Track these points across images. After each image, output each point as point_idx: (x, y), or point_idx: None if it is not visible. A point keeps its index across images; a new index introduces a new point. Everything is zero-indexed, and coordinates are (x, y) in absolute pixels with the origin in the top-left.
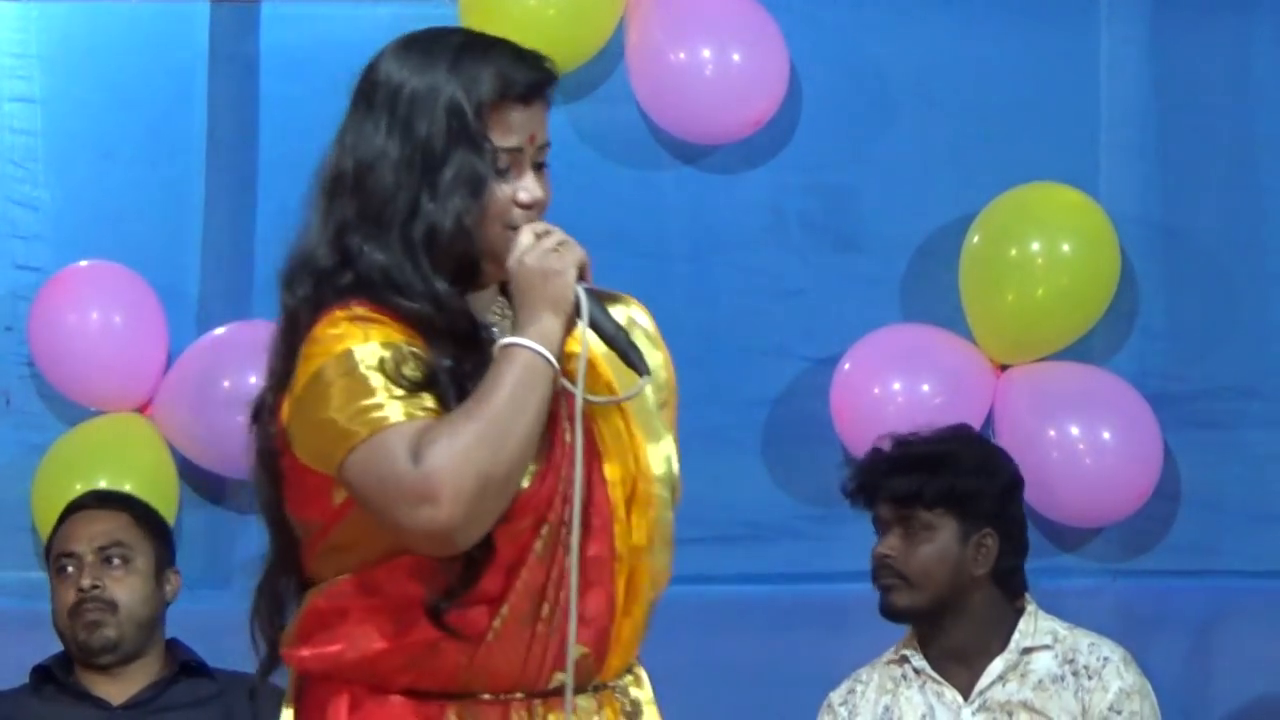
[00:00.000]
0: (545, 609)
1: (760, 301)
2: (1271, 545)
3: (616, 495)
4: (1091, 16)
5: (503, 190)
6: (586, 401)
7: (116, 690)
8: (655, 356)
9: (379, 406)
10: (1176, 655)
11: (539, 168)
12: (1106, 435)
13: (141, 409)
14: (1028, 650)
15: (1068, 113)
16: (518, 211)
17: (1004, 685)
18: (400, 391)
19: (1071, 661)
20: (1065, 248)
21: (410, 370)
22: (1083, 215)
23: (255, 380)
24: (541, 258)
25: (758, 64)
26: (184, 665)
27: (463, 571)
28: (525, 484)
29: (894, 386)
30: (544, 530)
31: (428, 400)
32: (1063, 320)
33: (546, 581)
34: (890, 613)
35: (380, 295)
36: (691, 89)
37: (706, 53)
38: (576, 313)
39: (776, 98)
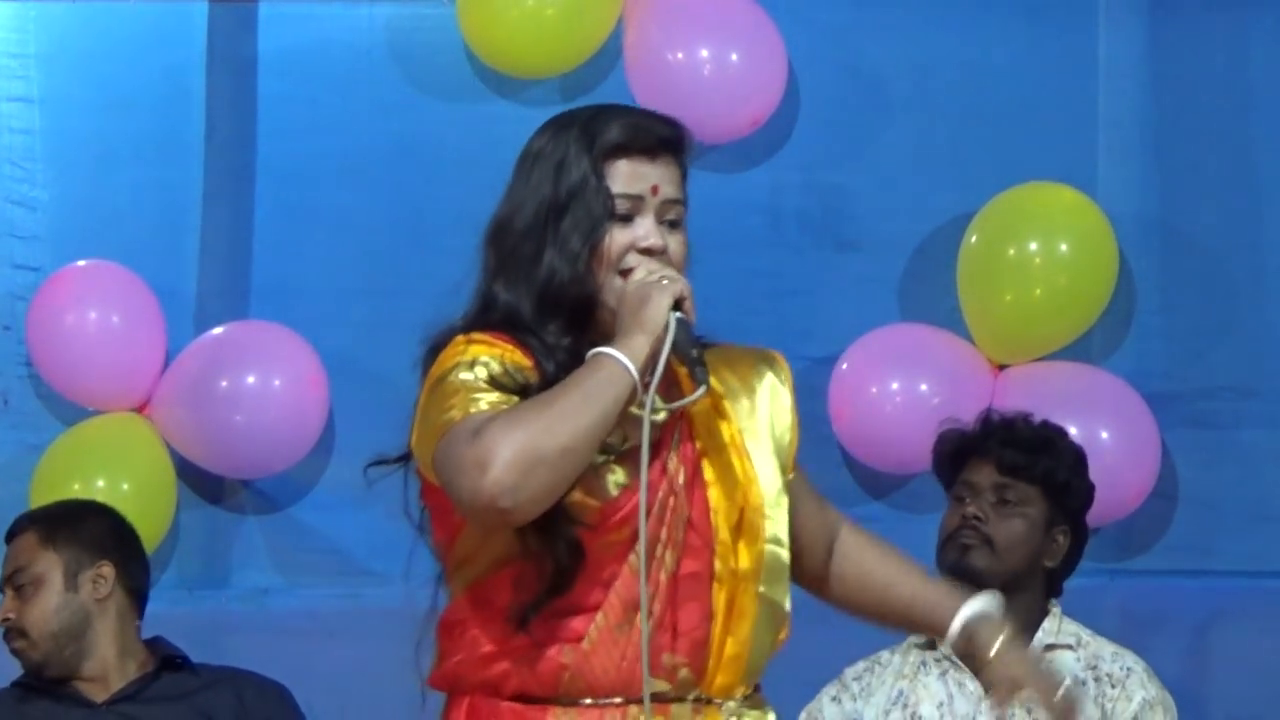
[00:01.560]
0: (640, 619)
1: (758, 301)
2: (1269, 545)
3: (719, 521)
4: (1089, 17)
5: (620, 235)
6: (655, 410)
7: (98, 689)
8: (782, 419)
9: (470, 401)
10: (1174, 655)
11: (673, 225)
12: (1104, 435)
13: (139, 409)
14: (1050, 648)
15: (1065, 113)
16: (634, 256)
17: None
18: (490, 389)
19: (1095, 668)
20: (1063, 247)
21: (508, 379)
22: (1080, 215)
23: (253, 380)
24: (642, 285)
25: (755, 64)
26: (166, 660)
27: (552, 580)
28: (613, 493)
29: (892, 386)
30: (639, 544)
31: (512, 399)
32: (1060, 320)
33: (640, 593)
34: (965, 571)
35: (504, 331)
36: (689, 89)
37: (704, 52)
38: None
39: (774, 97)
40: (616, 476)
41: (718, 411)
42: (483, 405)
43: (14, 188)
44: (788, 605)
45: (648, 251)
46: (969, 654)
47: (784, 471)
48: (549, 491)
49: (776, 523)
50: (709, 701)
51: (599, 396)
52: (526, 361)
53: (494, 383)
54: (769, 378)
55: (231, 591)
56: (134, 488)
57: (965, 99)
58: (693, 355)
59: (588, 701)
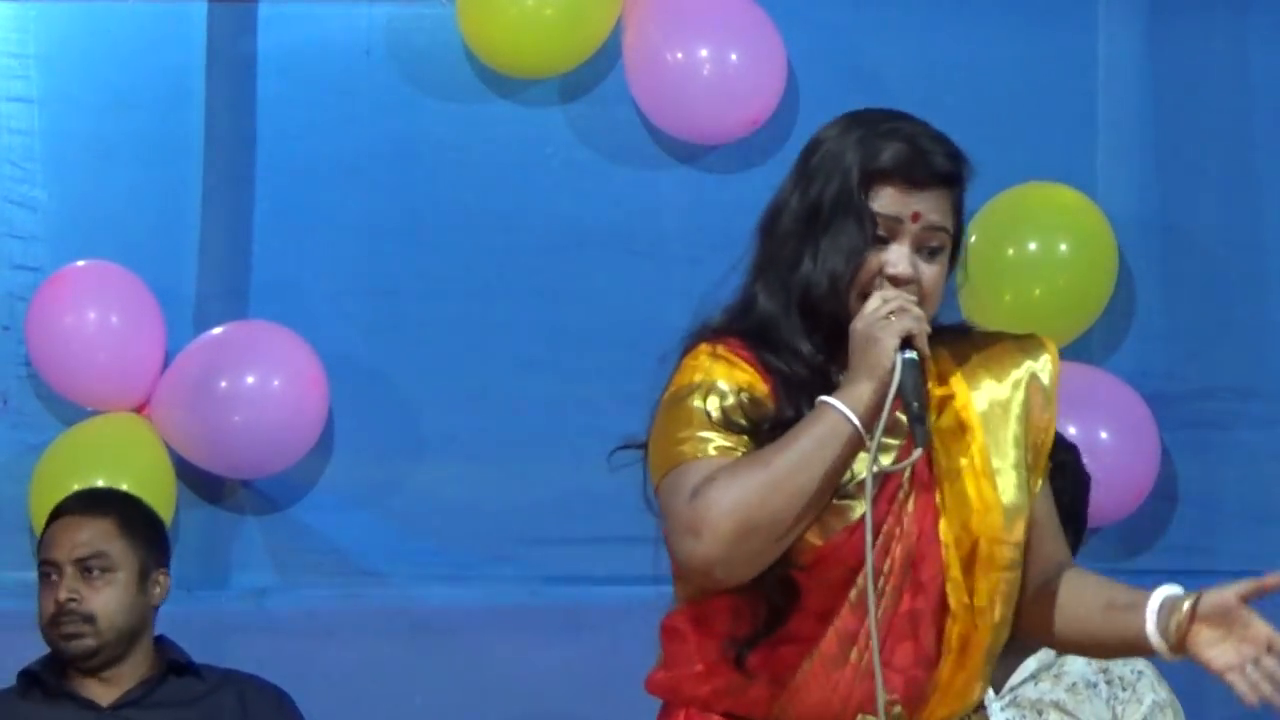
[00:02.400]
0: (854, 654)
1: None
2: (1269, 545)
3: (950, 556)
4: (1089, 16)
5: (871, 259)
6: (876, 470)
7: (104, 691)
8: (1042, 415)
9: (699, 440)
10: None
11: (931, 253)
12: (1104, 435)
13: (139, 409)
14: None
15: (1065, 113)
16: (879, 280)
17: (1036, 684)
18: (718, 430)
19: (1105, 670)
20: (1063, 248)
21: (739, 415)
22: (1080, 215)
23: (252, 380)
24: (870, 324)
25: (755, 64)
26: (171, 664)
27: (767, 618)
28: (836, 528)
29: None
30: (858, 580)
31: (747, 444)
32: (1060, 320)
33: (860, 628)
34: None
35: (755, 342)
36: (689, 89)
37: (704, 52)
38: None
39: (774, 97)
40: (840, 515)
41: (960, 424)
42: (710, 451)
43: (13, 188)
44: (1009, 630)
45: (894, 279)
46: (1174, 634)
47: (1030, 483)
48: (763, 557)
49: (1016, 546)
50: None
51: (818, 456)
52: (764, 388)
53: (725, 420)
54: (1026, 369)
55: (231, 591)
56: (133, 488)
57: (965, 99)
58: (914, 409)
59: None
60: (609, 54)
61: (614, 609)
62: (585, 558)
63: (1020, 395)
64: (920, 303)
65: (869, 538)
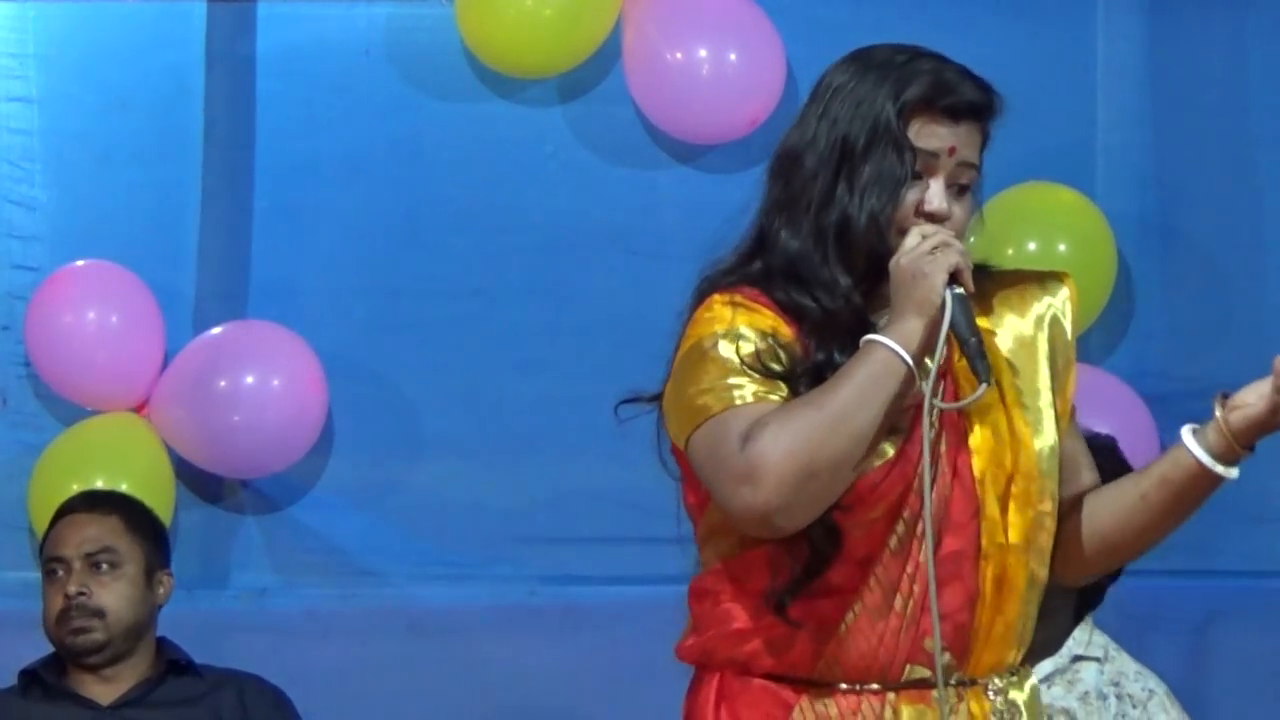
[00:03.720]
0: (899, 602)
1: None
2: (1268, 545)
3: (984, 492)
4: (1088, 17)
5: (910, 194)
6: (934, 406)
7: (105, 691)
8: (1063, 353)
9: (732, 387)
10: (1174, 654)
11: (961, 190)
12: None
13: (138, 409)
14: (1079, 658)
15: (1064, 113)
16: (917, 218)
17: (1049, 688)
18: (750, 376)
19: (1117, 685)
20: (1061, 247)
21: (772, 359)
22: (1079, 215)
23: (252, 380)
24: (915, 260)
25: (754, 63)
26: (172, 664)
27: (808, 564)
28: (875, 464)
29: None
30: (899, 525)
31: (782, 389)
32: None
33: (901, 575)
34: None
35: (772, 285)
36: (688, 89)
37: (703, 52)
38: (943, 316)
39: (773, 97)
40: (881, 448)
41: (954, 371)
42: (747, 397)
43: (13, 188)
44: (1045, 575)
45: (930, 216)
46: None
47: (1060, 419)
48: (824, 503)
49: (1049, 484)
50: (973, 683)
51: (874, 395)
52: (789, 332)
53: (756, 364)
54: (1047, 305)
55: (230, 591)
56: (132, 487)
57: None
58: (972, 345)
59: (843, 686)
60: (608, 54)
61: (612, 608)
62: (583, 557)
63: (1044, 334)
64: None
65: (927, 480)
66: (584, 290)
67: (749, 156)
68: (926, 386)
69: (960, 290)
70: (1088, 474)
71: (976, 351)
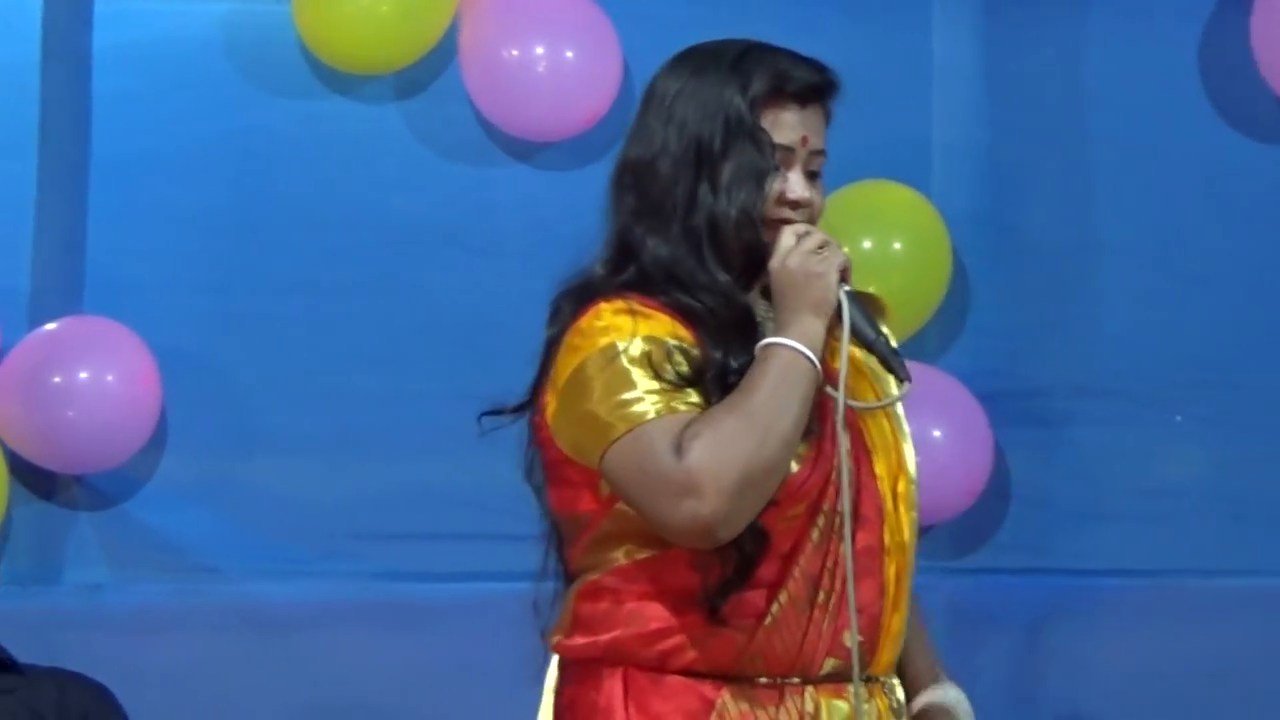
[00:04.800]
0: (821, 596)
1: None
2: (1100, 543)
3: (885, 489)
4: (924, 15)
5: (773, 186)
6: (848, 406)
7: None
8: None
9: (639, 400)
10: (1006, 653)
11: (813, 176)
12: (937, 433)
13: None
14: None
15: (900, 111)
16: (781, 209)
17: None
18: (662, 385)
19: None
20: (897, 246)
21: (675, 364)
22: (915, 213)
23: (86, 376)
24: (804, 260)
25: (591, 61)
26: None
27: (739, 565)
28: (794, 467)
29: None
30: (819, 519)
31: (691, 395)
32: (895, 318)
33: (822, 569)
34: None
35: (653, 289)
36: (525, 86)
37: (540, 49)
38: (838, 316)
39: (610, 94)
40: (797, 450)
41: (857, 368)
42: (662, 408)
43: None
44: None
45: (794, 205)
46: None
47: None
48: (757, 509)
49: (917, 485)
50: (875, 680)
51: (791, 399)
52: (688, 335)
53: (665, 372)
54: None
55: (63, 587)
56: None
57: None
58: (880, 343)
59: (764, 680)
60: (445, 51)
61: (447, 605)
62: (419, 554)
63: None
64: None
65: (845, 478)
66: (420, 287)
67: (586, 154)
68: (840, 391)
69: (849, 289)
70: None
71: (888, 349)
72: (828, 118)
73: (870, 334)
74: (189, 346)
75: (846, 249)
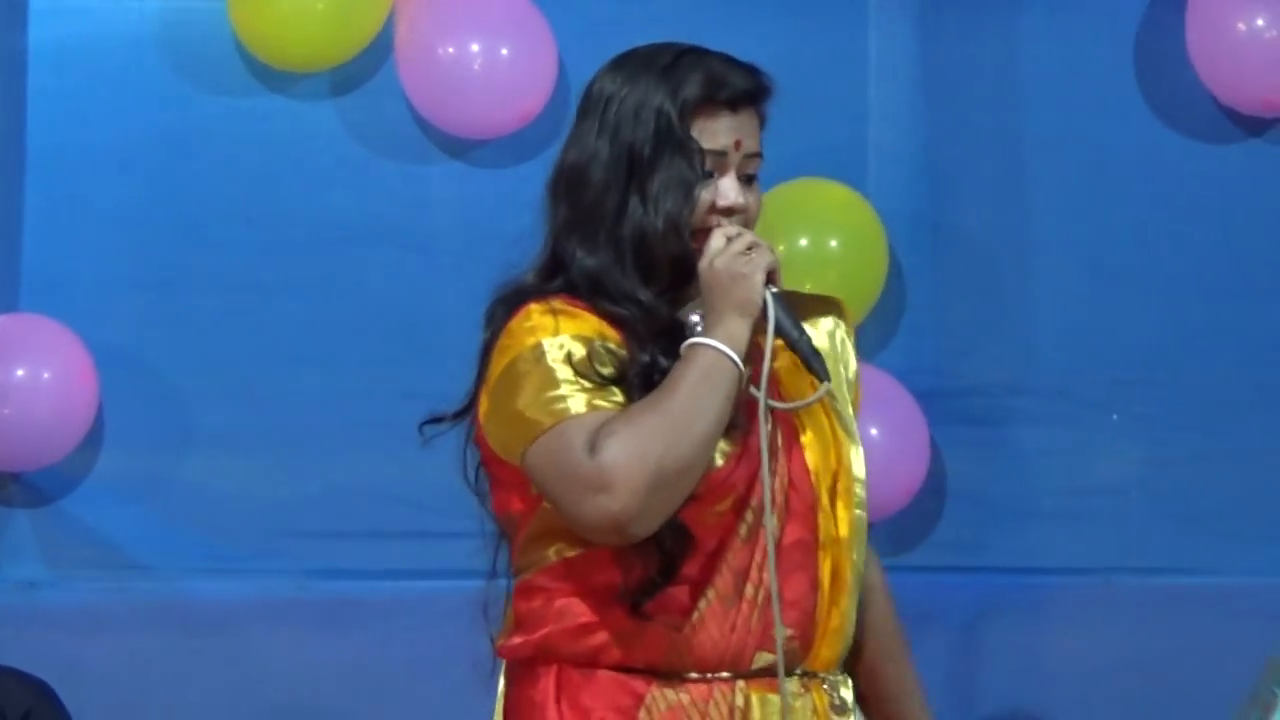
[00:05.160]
0: (749, 590)
1: None
2: (1037, 542)
3: (819, 484)
4: (860, 14)
5: (703, 195)
6: (770, 407)
7: None
8: (851, 369)
9: (563, 398)
10: (943, 651)
11: (749, 180)
12: (874, 432)
13: None
14: None
15: (836, 109)
16: (713, 216)
17: None
18: (587, 384)
19: None
20: (833, 244)
21: (600, 364)
22: (851, 211)
23: (22, 373)
24: (730, 261)
25: (526, 59)
26: None
27: (660, 563)
28: (719, 463)
29: None
30: (747, 515)
31: (615, 394)
32: None
33: (750, 563)
34: None
35: (582, 295)
36: (460, 83)
37: (475, 47)
38: (764, 316)
39: (545, 93)
40: (721, 445)
41: (794, 364)
42: (582, 405)
43: None
44: (863, 576)
45: (727, 211)
46: None
47: (855, 423)
48: (673, 507)
49: (860, 482)
50: (813, 676)
51: (711, 399)
52: (614, 334)
53: (587, 370)
54: (833, 324)
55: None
56: None
57: None
58: (803, 344)
59: (694, 675)
60: (381, 48)
61: (382, 603)
62: (355, 552)
63: (833, 345)
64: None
65: (766, 478)
66: (356, 285)
67: (521, 152)
68: (762, 390)
69: (776, 290)
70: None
71: (810, 350)
72: (763, 121)
73: (793, 334)
74: (125, 344)
75: (782, 248)
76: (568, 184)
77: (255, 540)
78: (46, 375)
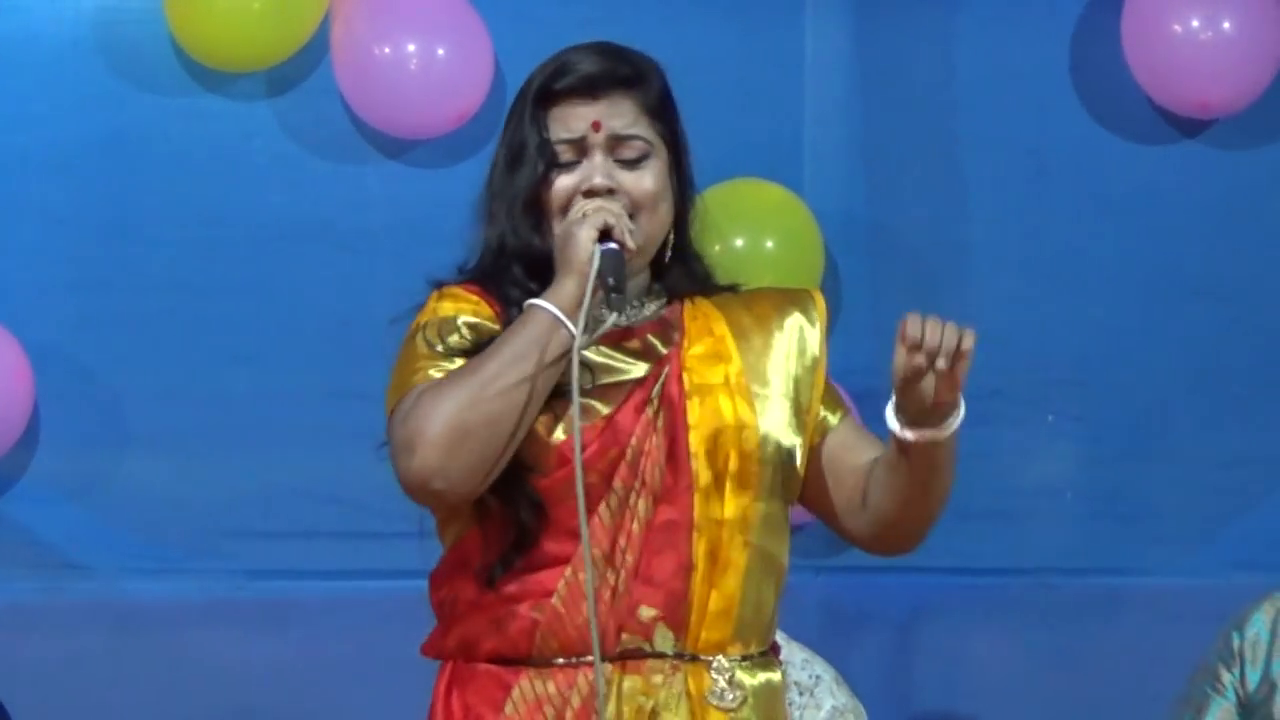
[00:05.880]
0: (611, 574)
1: None
2: (972, 542)
3: (699, 466)
4: (796, 14)
5: (564, 181)
6: (580, 348)
7: None
8: (806, 358)
9: (414, 372)
10: (879, 651)
11: (631, 163)
12: None
13: None
14: None
15: (772, 109)
16: (581, 199)
17: None
18: (439, 357)
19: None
20: (769, 244)
21: (457, 336)
22: (786, 212)
23: None
24: (566, 225)
25: (462, 59)
26: None
27: (516, 538)
28: (560, 435)
29: None
30: (611, 496)
31: (456, 364)
32: None
33: (614, 547)
34: None
35: (482, 284)
36: (396, 83)
37: (411, 47)
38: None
39: (481, 93)
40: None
41: (718, 353)
42: (419, 377)
43: None
44: (784, 559)
45: (591, 193)
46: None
47: (800, 412)
48: (483, 462)
49: (778, 469)
50: (695, 659)
51: (526, 353)
52: (489, 312)
53: (439, 344)
54: (795, 317)
55: None
56: None
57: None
58: (609, 282)
59: (560, 661)
60: (317, 48)
61: (319, 603)
62: (291, 552)
63: (784, 336)
64: (635, 214)
65: (576, 424)
66: (291, 285)
67: (456, 152)
68: (576, 341)
69: (613, 245)
70: (871, 450)
71: (612, 287)
72: (647, 108)
73: (609, 283)
74: (61, 344)
75: (717, 248)
76: (484, 188)
77: (190, 540)
78: None
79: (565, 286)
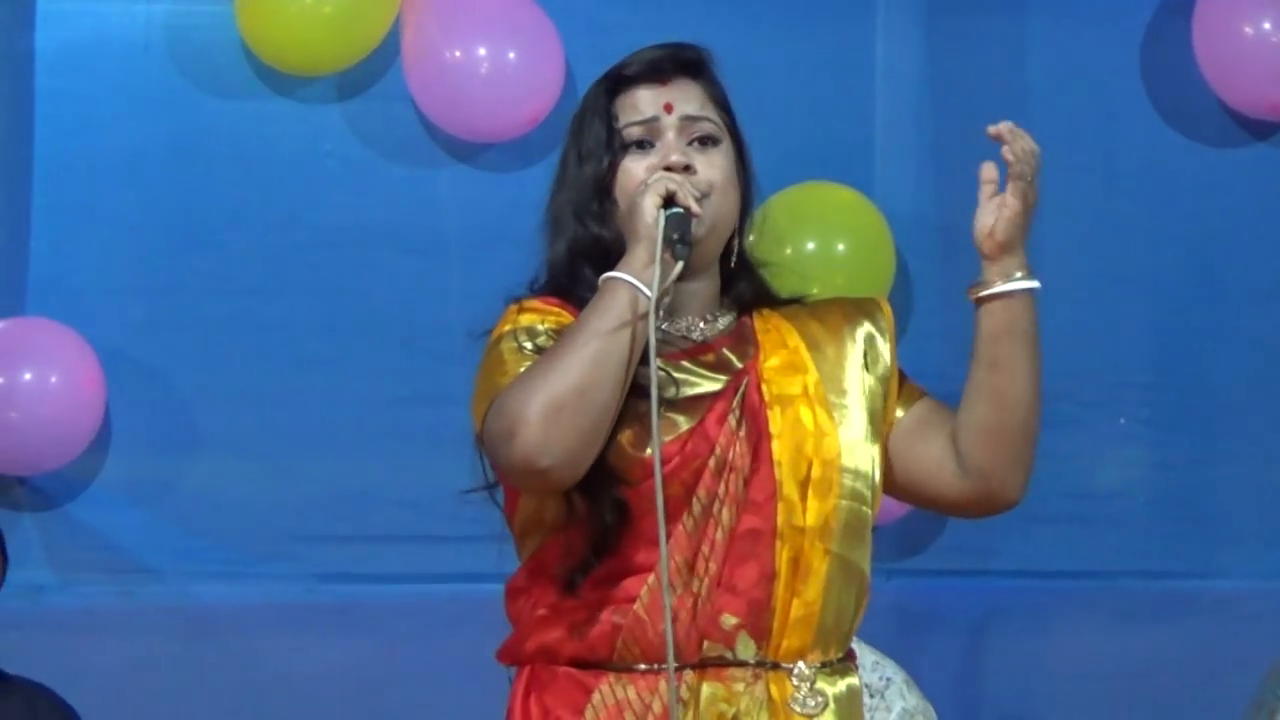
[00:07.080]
0: (695, 582)
1: None
2: (1042, 545)
3: (784, 475)
4: (868, 18)
5: (635, 164)
6: (659, 307)
7: None
8: (879, 367)
9: (504, 374)
10: (949, 654)
11: (704, 143)
12: None
13: None
14: None
15: (843, 113)
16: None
17: None
18: (524, 358)
19: None
20: (840, 247)
21: (543, 339)
22: (858, 214)
23: (29, 377)
24: (632, 197)
25: (533, 62)
26: None
27: (597, 540)
28: (649, 452)
29: None
30: (695, 504)
31: None
32: None
33: (696, 554)
34: None
35: (556, 291)
36: (467, 87)
37: (482, 51)
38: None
39: (552, 96)
40: (668, 428)
41: (794, 364)
42: (509, 379)
43: None
44: (866, 567)
45: (667, 169)
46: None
47: (877, 421)
48: (582, 437)
49: (858, 477)
50: (776, 666)
51: (604, 322)
52: (571, 319)
53: (543, 349)
54: (865, 327)
55: (6, 589)
56: None
57: (743, 98)
58: (673, 239)
59: (642, 667)
60: (387, 52)
61: (389, 606)
62: (361, 556)
63: (856, 346)
64: (708, 195)
65: (654, 379)
66: (362, 288)
67: (527, 155)
68: (651, 309)
69: (678, 210)
70: (951, 416)
71: (678, 240)
72: (711, 95)
73: (674, 238)
74: (132, 348)
75: (789, 251)
76: (549, 197)
77: (260, 544)
78: (53, 379)
79: (635, 254)
